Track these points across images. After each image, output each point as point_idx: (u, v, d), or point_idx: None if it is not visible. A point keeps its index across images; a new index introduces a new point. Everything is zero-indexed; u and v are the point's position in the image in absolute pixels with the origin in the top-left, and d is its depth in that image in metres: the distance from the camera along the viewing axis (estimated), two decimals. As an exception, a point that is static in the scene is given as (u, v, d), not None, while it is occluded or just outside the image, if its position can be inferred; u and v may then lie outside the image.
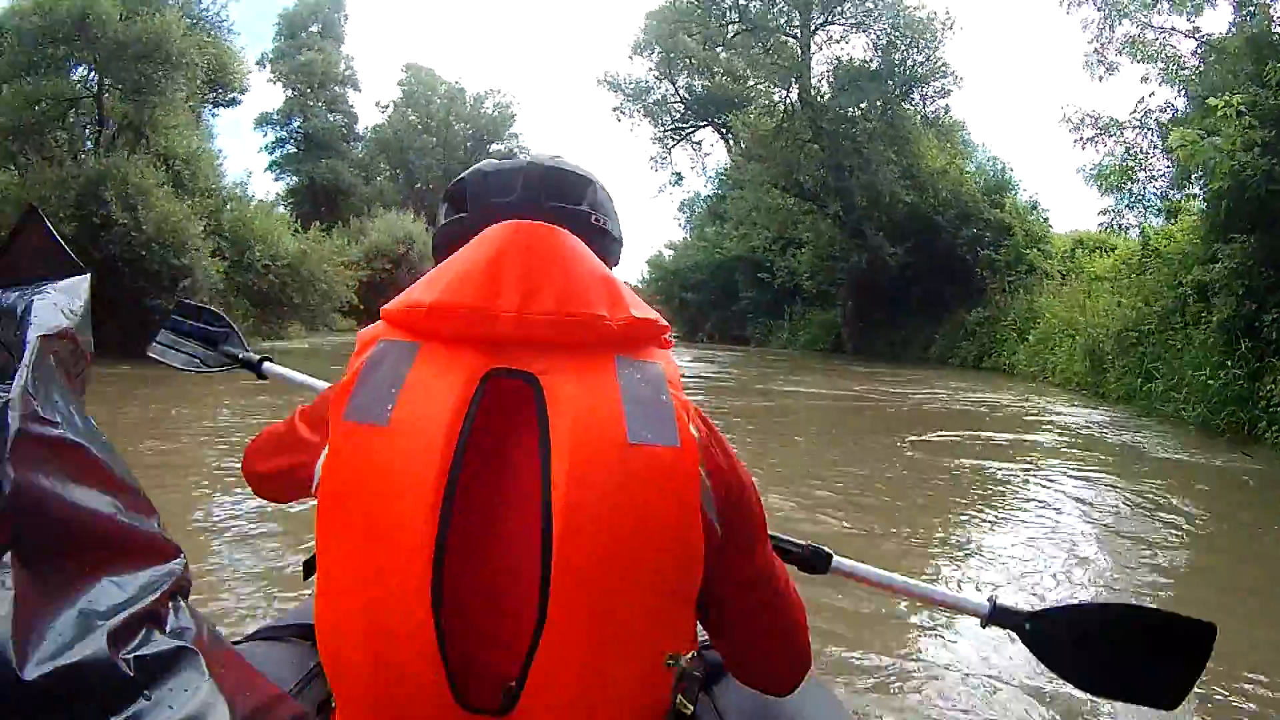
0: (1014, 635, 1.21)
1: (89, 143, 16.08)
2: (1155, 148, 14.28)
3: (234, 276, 16.64)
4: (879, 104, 23.42)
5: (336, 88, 40.82)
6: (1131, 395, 11.06)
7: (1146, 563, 4.18)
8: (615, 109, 38.34)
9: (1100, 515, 5.16)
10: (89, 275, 0.79)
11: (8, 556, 0.46)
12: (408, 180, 41.96)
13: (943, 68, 24.06)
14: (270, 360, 1.61)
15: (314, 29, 39.84)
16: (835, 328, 26.38)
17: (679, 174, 41.74)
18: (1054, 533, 4.70)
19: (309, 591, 0.99)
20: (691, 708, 0.89)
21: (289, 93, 39.54)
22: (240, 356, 1.68)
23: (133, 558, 0.55)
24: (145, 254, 13.58)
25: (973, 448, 7.64)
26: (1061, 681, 1.20)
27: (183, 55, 15.35)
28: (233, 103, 23.34)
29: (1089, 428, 9.28)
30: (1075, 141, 15.40)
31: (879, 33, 24.53)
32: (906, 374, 16.38)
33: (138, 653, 0.50)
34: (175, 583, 0.56)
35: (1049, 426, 9.48)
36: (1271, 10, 11.32)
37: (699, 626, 0.93)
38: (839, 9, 24.89)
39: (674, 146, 39.39)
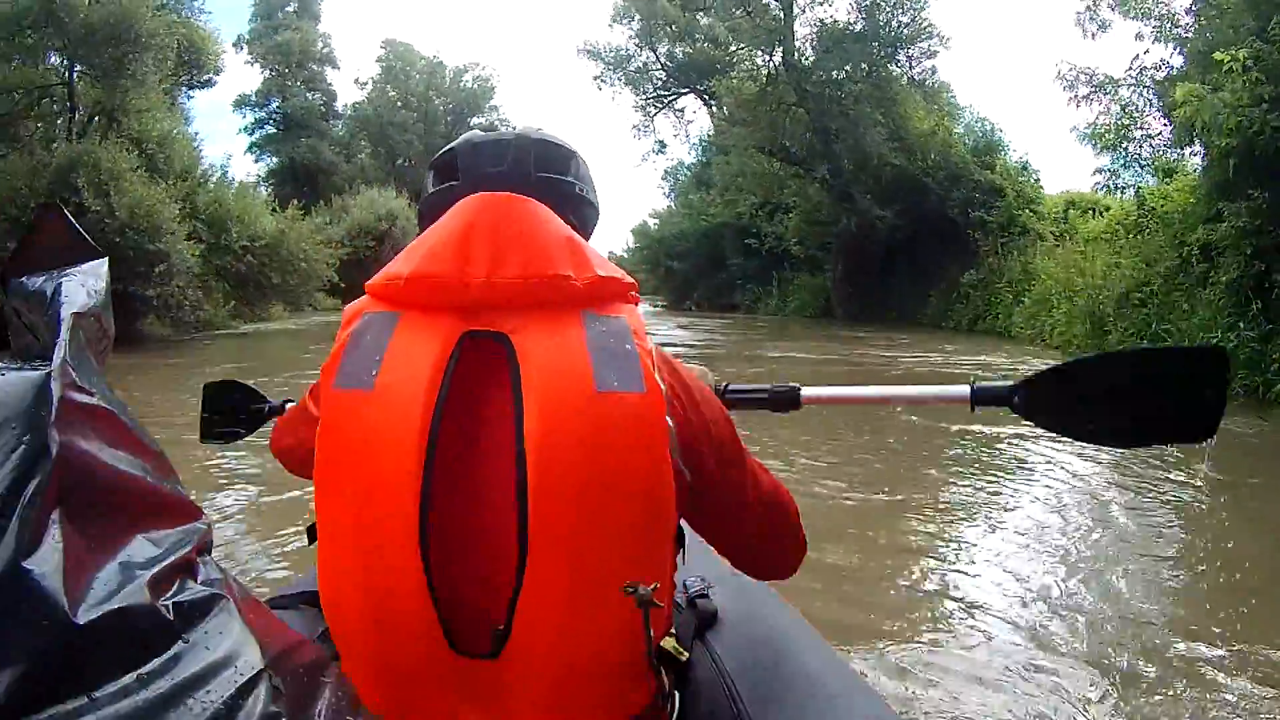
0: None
1: (61, 130, 15.84)
2: (1151, 105, 13.98)
3: (212, 259, 16.45)
4: (864, 66, 22.99)
5: (314, 66, 41.04)
6: None
7: (1158, 524, 4.09)
8: (596, 78, 37.82)
9: (1108, 477, 5.03)
10: (107, 259, 0.84)
11: (57, 513, 0.50)
12: (389, 157, 41.98)
13: (928, 28, 23.63)
14: (293, 401, 1.59)
15: (290, 8, 40.04)
16: (825, 293, 26.14)
17: (662, 142, 41.37)
18: (1062, 494, 4.62)
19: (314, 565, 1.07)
20: (686, 654, 1.00)
21: (267, 73, 39.75)
22: (268, 409, 1.74)
23: (164, 517, 0.60)
24: (119, 240, 13.32)
25: (969, 414, 7.43)
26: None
27: (152, 36, 15.18)
28: (207, 84, 23.29)
29: None
30: (1070, 100, 15.00)
31: (862, -8, 24.03)
32: (899, 338, 16.22)
33: (175, 599, 0.54)
34: (201, 540, 0.61)
35: None
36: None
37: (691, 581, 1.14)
38: (821, -31, 24.37)
39: (656, 115, 39.04)
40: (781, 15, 24.40)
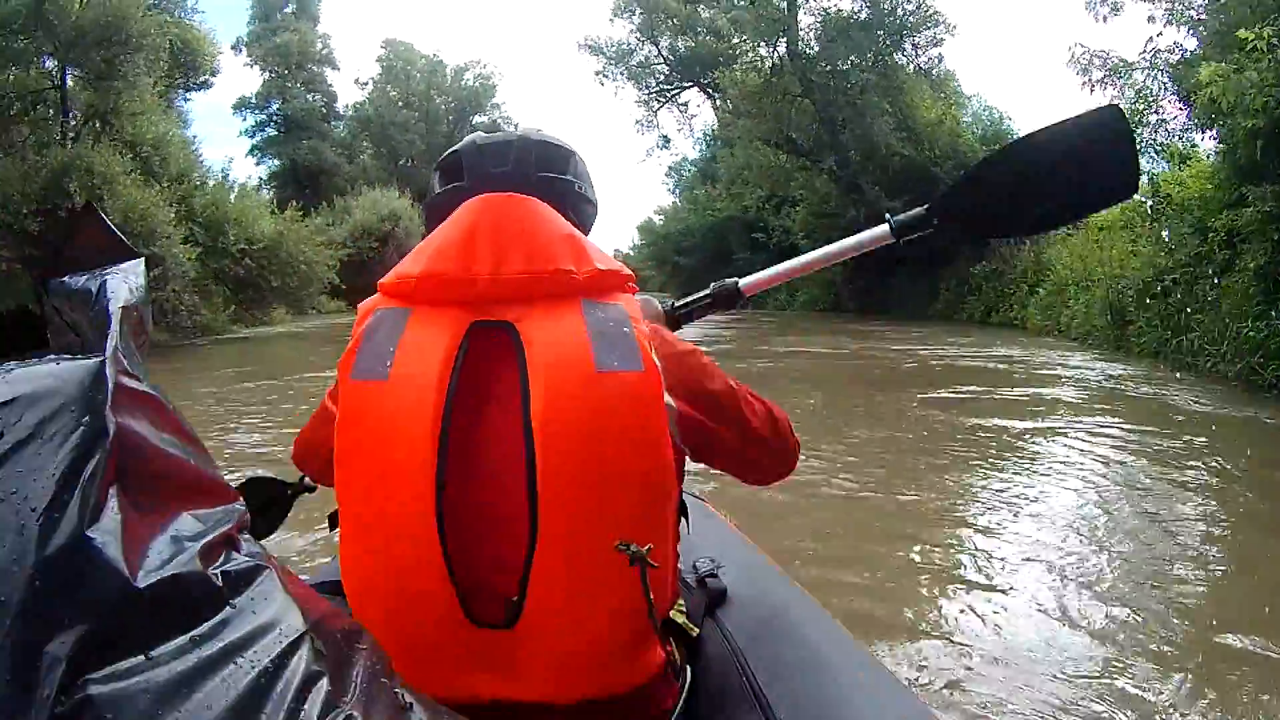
0: None
1: (54, 134, 15.62)
2: (1166, 89, 13.50)
3: (209, 263, 16.25)
4: (869, 55, 22.53)
5: (314, 67, 41.15)
6: (1161, 349, 10.32)
7: (1187, 522, 3.92)
8: (597, 73, 37.95)
9: (1133, 473, 4.87)
10: (144, 258, 0.88)
11: (114, 488, 0.54)
12: (391, 157, 42.02)
13: (934, 15, 23.23)
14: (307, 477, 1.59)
15: (288, 9, 40.14)
16: (833, 286, 25.95)
17: (666, 137, 41.39)
18: (1083, 491, 4.46)
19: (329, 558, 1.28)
20: (697, 630, 1.11)
21: (266, 75, 39.96)
22: (290, 491, 1.70)
23: (206, 496, 0.63)
24: None
25: (988, 405, 7.37)
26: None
27: (143, 37, 15.04)
28: (204, 85, 23.07)
29: (1113, 383, 8.73)
30: (1083, 84, 14.74)
31: (866, -20, 23.74)
32: (911, 330, 16.10)
33: (222, 568, 0.57)
34: (240, 519, 0.64)
35: (1069, 382, 8.94)
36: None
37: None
38: (824, -43, 24.05)
39: (659, 109, 39.06)
40: (785, 5, 24.01)
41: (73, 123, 15.67)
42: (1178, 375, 9.12)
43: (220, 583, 0.56)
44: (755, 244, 29.08)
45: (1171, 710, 2.27)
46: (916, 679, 2.43)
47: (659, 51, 36.81)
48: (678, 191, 43.92)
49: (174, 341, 15.23)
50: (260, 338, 17.40)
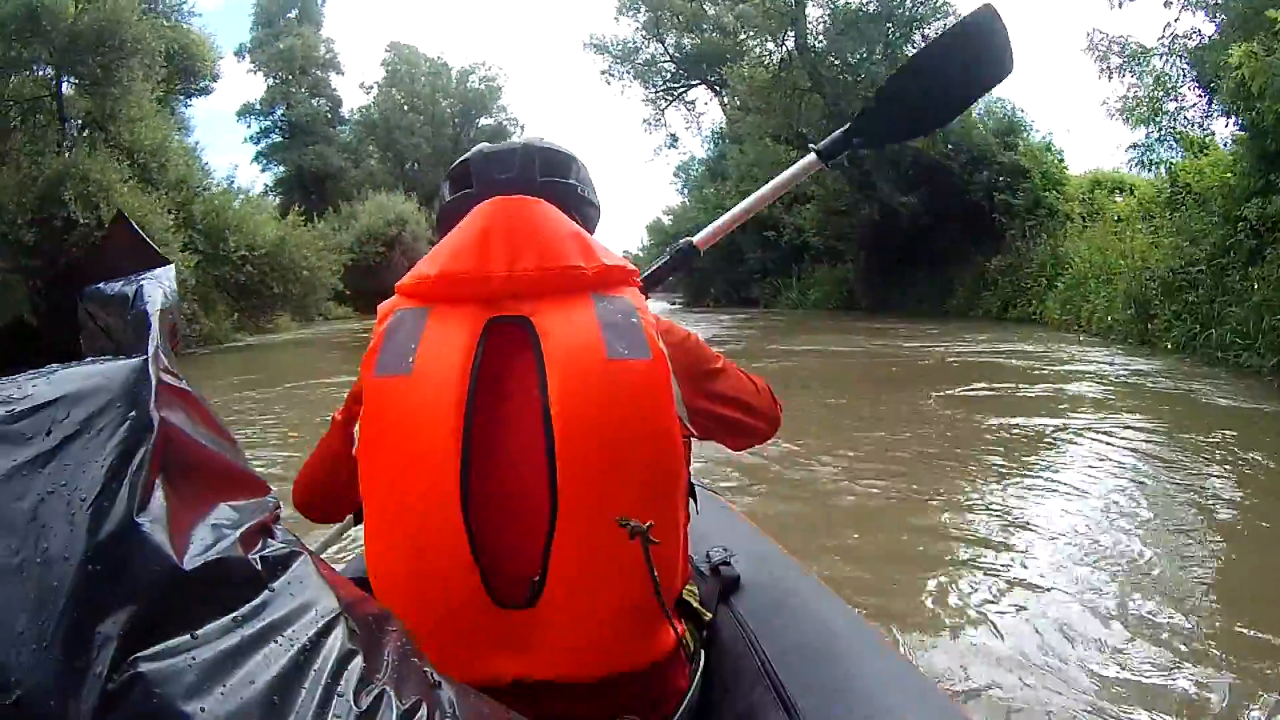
0: None
1: (51, 141, 15.57)
2: (1185, 75, 13.39)
3: (210, 270, 16.17)
4: (879, 48, 22.40)
5: (318, 72, 41.24)
6: (1188, 343, 10.08)
7: (1222, 521, 3.84)
8: (603, 72, 38.10)
9: (1162, 470, 4.77)
10: (173, 265, 0.94)
11: (159, 479, 0.57)
12: (397, 160, 42.10)
13: (944, 6, 23.00)
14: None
15: (291, 14, 40.08)
16: (846, 284, 25.84)
17: (674, 135, 41.26)
18: (1111, 489, 4.38)
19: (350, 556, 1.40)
20: (710, 614, 1.18)
21: (270, 81, 40.02)
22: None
23: (241, 489, 0.66)
24: None
25: (1011, 402, 7.29)
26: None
27: (138, 41, 14.92)
28: (204, 91, 23.06)
29: (1139, 378, 8.55)
30: (1101, 71, 14.39)
31: (875, -29, 23.56)
32: (926, 328, 15.97)
33: (261, 554, 0.61)
34: (273, 511, 0.67)
35: (1092, 378, 8.78)
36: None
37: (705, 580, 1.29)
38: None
39: (667, 108, 39.05)
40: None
41: (70, 130, 15.71)
42: (1207, 369, 8.96)
43: (259, 567, 0.60)
44: (766, 242, 28.90)
45: (1205, 712, 2.27)
46: (943, 675, 2.44)
47: (665, 49, 36.83)
48: (686, 191, 43.90)
49: (175, 350, 15.24)
50: (265, 345, 17.38)
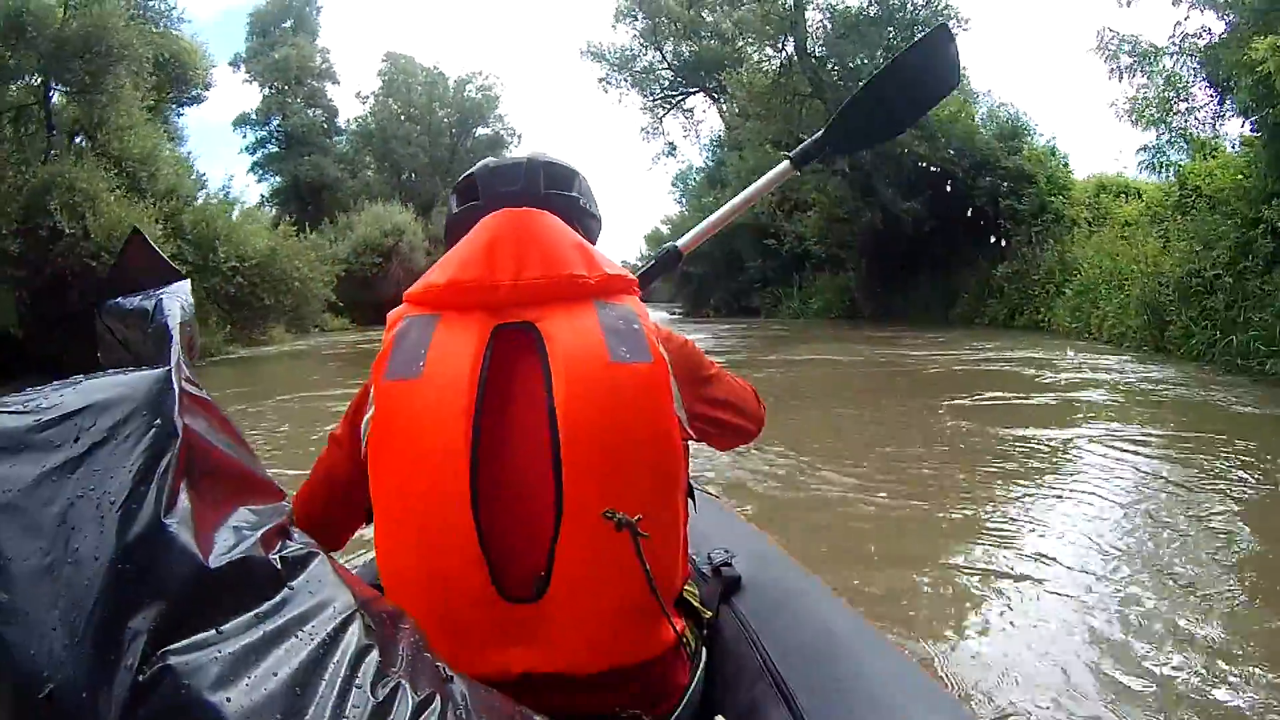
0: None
1: (39, 150, 15.49)
2: (1196, 75, 13.30)
3: (200, 281, 16.10)
4: (880, 52, 22.43)
5: (314, 82, 41.36)
6: (1207, 350, 9.92)
7: (1249, 533, 3.75)
8: (601, 80, 38.13)
9: (1183, 481, 4.63)
10: (189, 280, 1.00)
11: (184, 483, 0.61)
12: (394, 170, 42.19)
13: (946, 9, 23.06)
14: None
15: (287, 24, 40.21)
16: (849, 292, 25.85)
17: (672, 144, 41.35)
18: (1131, 501, 4.29)
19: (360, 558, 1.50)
20: (710, 614, 1.24)
21: (266, 91, 40.09)
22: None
23: (259, 493, 0.70)
24: (95, 264, 13.20)
25: (1022, 412, 7.22)
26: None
27: (125, 47, 14.83)
28: (196, 100, 23.00)
29: (1156, 386, 8.52)
30: (1110, 71, 14.26)
31: (875, -25, 23.60)
32: (931, 336, 15.88)
33: (280, 554, 0.65)
34: (289, 515, 0.71)
35: (1106, 386, 8.67)
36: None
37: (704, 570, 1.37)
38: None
39: (665, 116, 39.01)
40: (792, 2, 23.93)
41: (59, 139, 15.63)
42: (1229, 378, 8.80)
43: (279, 566, 0.64)
44: (766, 251, 28.85)
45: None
46: (961, 683, 2.45)
47: (663, 56, 36.90)
48: (684, 200, 43.94)
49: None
50: (258, 358, 17.24)
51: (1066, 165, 20.38)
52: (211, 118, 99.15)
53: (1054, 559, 3.47)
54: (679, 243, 1.69)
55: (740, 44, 28.23)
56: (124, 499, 0.58)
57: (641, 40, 36.55)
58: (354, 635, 0.64)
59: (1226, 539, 3.66)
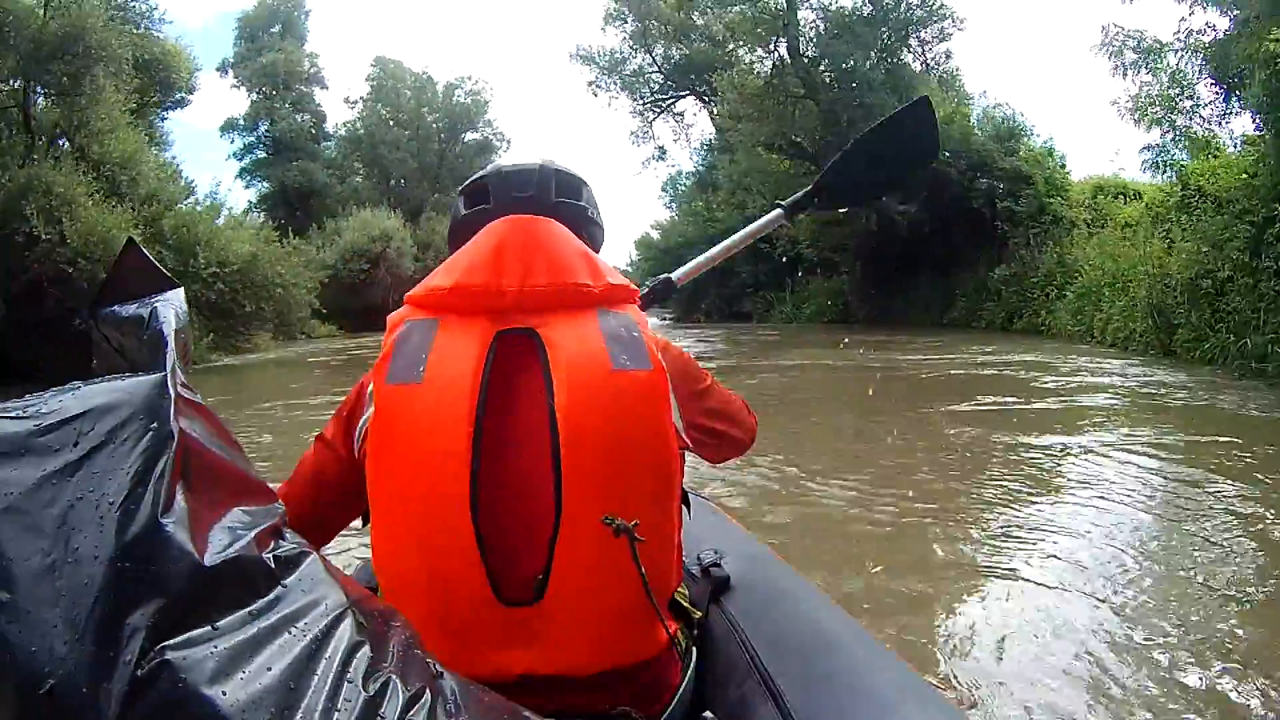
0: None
1: (18, 153, 15.24)
2: (1201, 72, 13.42)
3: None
4: (874, 53, 22.51)
5: (302, 87, 41.40)
6: (1220, 354, 9.80)
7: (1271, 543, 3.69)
8: (590, 83, 38.24)
9: (1202, 491, 4.52)
10: (182, 288, 1.04)
11: (180, 484, 0.64)
12: (382, 176, 42.22)
13: (941, 9, 23.20)
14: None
15: (274, 29, 40.17)
16: (842, 296, 25.99)
17: (662, 148, 41.45)
18: (1142, 516, 4.18)
19: (356, 560, 1.53)
20: (700, 613, 1.29)
21: (254, 96, 40.02)
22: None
23: (252, 495, 0.72)
24: (71, 270, 13.11)
25: (1026, 418, 7.09)
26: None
27: (102, 47, 14.73)
28: (180, 104, 22.90)
29: (1168, 393, 8.33)
30: (1115, 68, 14.34)
31: (869, -26, 23.74)
32: (927, 341, 15.83)
33: (274, 553, 0.68)
34: (281, 516, 0.73)
35: (1112, 391, 8.67)
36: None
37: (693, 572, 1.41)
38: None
39: (655, 119, 39.14)
40: (785, 2, 23.97)
41: (39, 142, 15.37)
42: (1244, 382, 8.68)
43: (273, 565, 0.67)
44: (758, 255, 28.67)
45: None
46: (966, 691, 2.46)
47: (653, 59, 36.96)
48: (674, 205, 44.10)
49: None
50: (241, 366, 16.98)
51: (1064, 166, 20.47)
52: (199, 123, 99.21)
53: (1063, 568, 3.43)
54: (674, 275, 1.76)
55: (731, 47, 28.25)
56: (122, 500, 0.61)
57: (631, 43, 36.65)
58: (346, 631, 0.67)
59: (1246, 544, 3.63)
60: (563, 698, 1.02)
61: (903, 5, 23.19)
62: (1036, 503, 4.48)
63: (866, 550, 3.83)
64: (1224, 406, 7.37)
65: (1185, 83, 13.64)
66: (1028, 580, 3.34)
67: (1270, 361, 8.80)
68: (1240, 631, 2.81)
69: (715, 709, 1.12)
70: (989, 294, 19.39)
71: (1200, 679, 2.49)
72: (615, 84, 37.78)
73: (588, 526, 0.98)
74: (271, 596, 0.65)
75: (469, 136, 44.17)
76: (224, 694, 0.57)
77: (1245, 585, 3.21)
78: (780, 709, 1.05)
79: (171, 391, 0.70)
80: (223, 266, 16.99)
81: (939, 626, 2.98)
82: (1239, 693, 2.41)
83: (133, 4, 18.97)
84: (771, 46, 24.89)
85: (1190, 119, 13.58)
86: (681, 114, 39.27)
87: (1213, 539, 3.72)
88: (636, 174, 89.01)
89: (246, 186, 39.85)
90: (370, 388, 1.08)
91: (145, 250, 1.08)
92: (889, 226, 21.54)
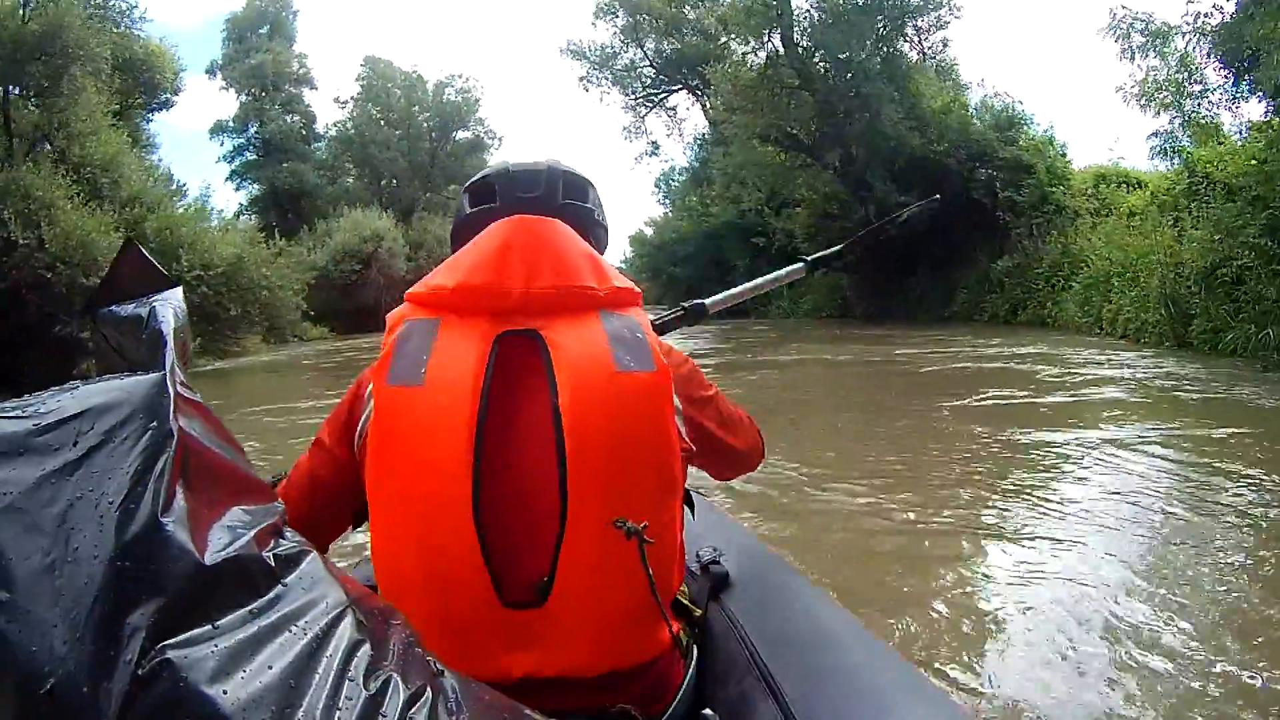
0: None
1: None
2: (1210, 56, 13.38)
3: None
4: (870, 41, 22.43)
5: (291, 88, 41.82)
6: (1242, 345, 9.64)
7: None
8: (581, 79, 38.34)
9: (1231, 487, 4.48)
10: (181, 286, 1.05)
11: (180, 483, 0.64)
12: (373, 176, 42.55)
13: (941, -5, 23.10)
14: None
15: (263, 30, 40.50)
16: (840, 290, 25.96)
17: (655, 143, 41.67)
18: (1155, 515, 4.10)
19: (353, 562, 1.54)
20: (700, 611, 1.33)
21: (243, 98, 40.34)
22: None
23: (252, 494, 0.73)
24: (50, 275, 13.09)
25: (1037, 414, 7.05)
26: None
27: (80, 46, 14.72)
28: (166, 105, 22.89)
29: (1187, 385, 8.20)
30: (1122, 51, 14.35)
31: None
32: (927, 335, 15.81)
33: (274, 552, 0.69)
34: (281, 515, 0.74)
35: (1126, 384, 8.51)
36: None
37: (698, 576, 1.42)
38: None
39: (647, 114, 39.27)
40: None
41: (20, 145, 15.32)
42: (1266, 374, 8.51)
43: (273, 563, 0.68)
44: (755, 249, 28.84)
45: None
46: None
47: (645, 54, 37.07)
48: (668, 200, 44.28)
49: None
50: (230, 370, 16.97)
51: (1065, 155, 20.47)
52: (188, 125, 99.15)
53: (1070, 564, 3.41)
54: (707, 301, 1.84)
55: (724, 40, 28.19)
56: (122, 499, 0.62)
57: (622, 37, 36.82)
58: (346, 630, 0.67)
59: (1265, 542, 3.61)
60: (565, 699, 1.03)
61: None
62: (1044, 497, 4.45)
63: (867, 546, 3.84)
64: (1247, 399, 7.24)
65: (1193, 66, 13.60)
66: (1031, 577, 3.33)
67: None
68: (1260, 638, 2.75)
69: (715, 706, 1.13)
70: (991, 286, 19.33)
71: (1214, 680, 2.48)
72: (607, 79, 38.07)
73: (594, 528, 0.99)
74: (272, 595, 0.65)
75: (460, 135, 44.46)
76: (225, 693, 0.57)
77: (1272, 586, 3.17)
78: (780, 706, 1.06)
79: (171, 390, 0.71)
80: (207, 269, 16.97)
81: (940, 623, 2.98)
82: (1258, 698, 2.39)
83: (112, 2, 18.92)
84: (766, 38, 24.81)
85: (1199, 103, 13.57)
86: (674, 108, 39.67)
87: (1232, 536, 3.69)
88: (630, 170, 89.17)
89: (237, 189, 40.34)
90: (370, 387, 1.08)
91: (144, 249, 1.09)
92: (889, 220, 21.31)
